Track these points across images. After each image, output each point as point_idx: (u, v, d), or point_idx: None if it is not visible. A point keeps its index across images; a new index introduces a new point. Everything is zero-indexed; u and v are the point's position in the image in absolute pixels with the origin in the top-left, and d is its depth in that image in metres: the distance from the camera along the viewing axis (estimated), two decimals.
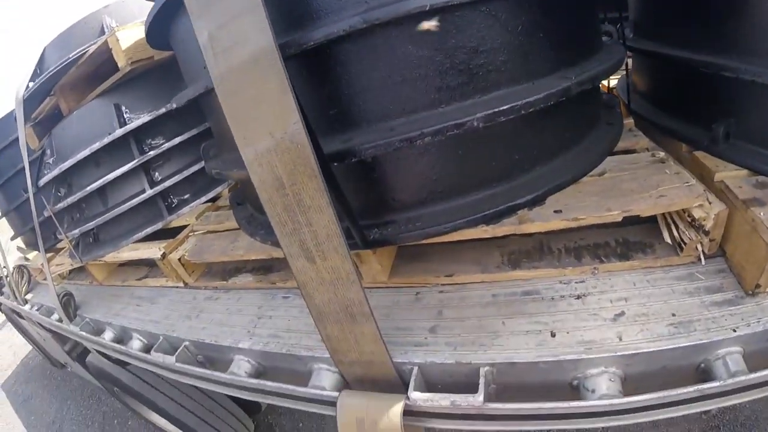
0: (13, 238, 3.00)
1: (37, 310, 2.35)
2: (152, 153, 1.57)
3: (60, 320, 2.04)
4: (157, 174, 1.62)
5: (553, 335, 0.89)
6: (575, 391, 0.90)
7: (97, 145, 1.59)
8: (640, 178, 1.04)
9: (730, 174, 1.06)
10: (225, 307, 1.27)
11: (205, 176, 1.57)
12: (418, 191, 0.92)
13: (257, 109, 0.76)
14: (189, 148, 1.59)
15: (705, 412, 0.97)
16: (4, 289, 3.20)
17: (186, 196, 1.65)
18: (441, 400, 0.83)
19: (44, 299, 2.39)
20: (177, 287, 1.51)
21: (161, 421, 2.89)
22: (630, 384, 0.91)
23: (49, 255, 2.44)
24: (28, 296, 2.64)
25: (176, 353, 1.21)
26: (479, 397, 0.82)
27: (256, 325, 1.13)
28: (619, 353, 0.87)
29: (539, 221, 0.92)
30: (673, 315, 0.94)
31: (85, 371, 3.35)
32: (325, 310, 0.83)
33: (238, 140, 0.78)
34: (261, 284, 1.26)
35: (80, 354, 3.17)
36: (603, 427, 2.41)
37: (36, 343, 4.50)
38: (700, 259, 1.04)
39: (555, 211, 0.94)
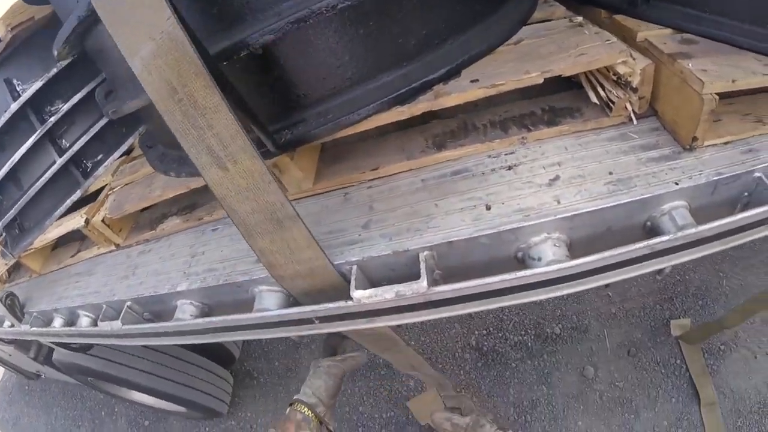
0: None
1: None
2: (53, 119, 1.42)
3: (12, 325, 1.94)
4: (63, 141, 1.49)
5: (488, 208, 0.85)
6: (521, 263, 0.88)
7: None
8: (558, 42, 0.99)
9: (652, 33, 1.03)
10: (158, 257, 1.19)
11: (114, 131, 1.45)
12: (324, 82, 0.85)
13: (135, 15, 0.68)
14: (90, 106, 1.45)
15: (658, 274, 0.97)
16: None
17: (99, 157, 1.52)
18: (385, 294, 0.80)
19: None
20: (110, 252, 1.42)
21: (143, 398, 2.83)
22: (577, 250, 0.89)
23: None
24: None
25: (121, 316, 1.14)
26: (422, 282, 0.79)
27: (191, 265, 1.07)
28: (559, 216, 0.84)
29: (456, 93, 0.87)
30: (611, 173, 0.92)
31: (57, 372, 3.26)
32: (251, 222, 0.77)
33: (126, 53, 0.70)
34: (189, 223, 1.19)
35: (47, 356, 3.08)
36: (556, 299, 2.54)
37: (4, 362, 4.32)
38: (631, 119, 1.02)
39: (472, 81, 0.88)
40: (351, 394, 2.64)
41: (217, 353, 2.71)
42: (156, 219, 1.29)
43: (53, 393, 4.47)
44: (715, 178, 0.89)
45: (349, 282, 0.85)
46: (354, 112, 0.84)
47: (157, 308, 1.14)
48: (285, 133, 0.86)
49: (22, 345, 3.05)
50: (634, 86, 0.96)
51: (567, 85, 1.07)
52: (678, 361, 2.35)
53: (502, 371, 2.44)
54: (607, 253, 0.82)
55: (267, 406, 2.84)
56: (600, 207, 0.86)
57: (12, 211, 1.58)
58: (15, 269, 2.01)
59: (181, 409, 2.68)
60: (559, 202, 0.86)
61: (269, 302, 0.92)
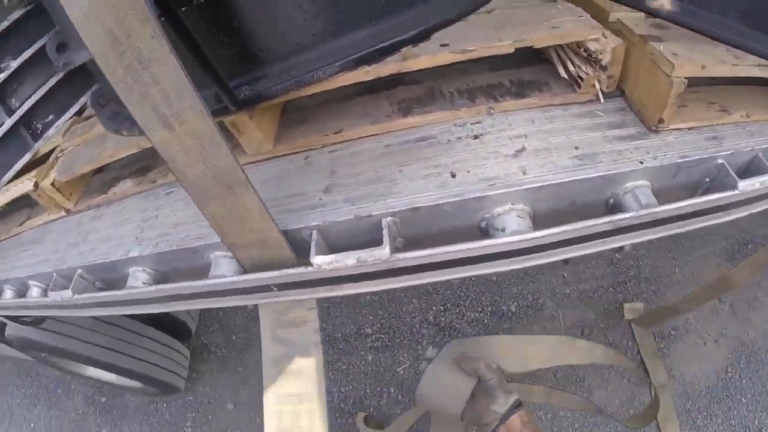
0: None
1: None
2: (2, 77, 1.34)
3: None
4: (13, 100, 1.39)
5: (453, 176, 0.84)
6: (484, 234, 0.87)
7: None
8: (531, 14, 0.98)
9: (625, 14, 1.03)
10: (110, 222, 1.13)
11: (66, 89, 1.37)
12: (287, 37, 0.81)
13: None
14: (42, 63, 1.37)
15: (618, 252, 0.98)
16: None
17: (50, 117, 1.43)
18: (346, 259, 0.78)
19: None
20: (61, 218, 1.34)
21: (99, 373, 2.75)
22: (540, 224, 0.88)
23: None
24: None
25: (72, 285, 1.08)
26: (385, 248, 0.77)
27: (143, 230, 1.02)
28: (524, 186, 0.84)
29: (426, 56, 0.84)
30: (576, 148, 0.92)
31: (10, 349, 3.14)
32: (201, 185, 0.73)
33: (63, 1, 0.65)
34: (142, 186, 1.13)
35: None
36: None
37: None
38: (598, 98, 1.02)
39: (442, 45, 0.86)
40: None
41: (173, 327, 2.64)
42: (108, 182, 1.23)
43: (7, 370, 4.30)
44: (679, 160, 0.90)
45: (308, 249, 0.82)
46: (319, 69, 0.81)
47: (109, 276, 1.09)
48: (245, 89, 0.82)
49: None
50: (604, 64, 0.95)
51: (534, 61, 1.06)
52: (630, 343, 2.43)
53: None
54: (570, 226, 0.81)
55: (225, 380, 2.80)
56: (566, 180, 0.86)
57: None
58: None
59: (137, 384, 2.62)
60: (524, 173, 0.86)
61: (226, 268, 0.88)
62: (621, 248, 0.98)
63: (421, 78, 1.02)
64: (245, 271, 0.88)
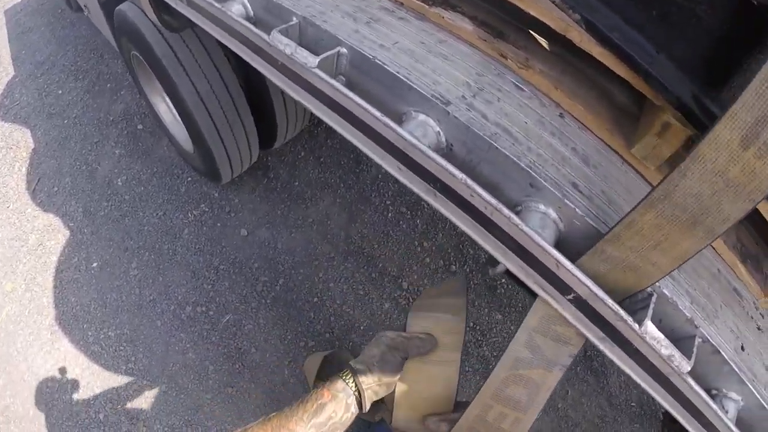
0: None
1: None
2: None
3: None
4: None
5: None
6: None
7: None
8: None
9: None
10: (419, 39, 0.87)
11: None
12: None
13: None
14: None
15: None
16: None
17: None
18: (665, 350, 0.60)
19: None
20: None
21: (163, 110, 2.49)
22: None
23: None
24: None
25: (321, 56, 0.81)
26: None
27: (476, 95, 0.76)
28: None
29: None
30: None
31: (104, 22, 2.82)
32: (685, 205, 0.51)
33: None
34: (485, 47, 0.86)
35: (108, 1, 2.66)
36: None
37: None
38: None
39: None
40: None
41: (267, 130, 2.25)
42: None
43: (79, 34, 3.97)
44: None
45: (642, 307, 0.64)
46: None
47: (381, 94, 0.82)
48: None
49: None
50: None
51: None
52: None
53: None
54: None
55: (257, 208, 2.61)
56: None
57: None
58: None
59: (190, 148, 2.33)
60: None
61: (546, 230, 0.66)
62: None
63: None
64: (572, 262, 0.64)
